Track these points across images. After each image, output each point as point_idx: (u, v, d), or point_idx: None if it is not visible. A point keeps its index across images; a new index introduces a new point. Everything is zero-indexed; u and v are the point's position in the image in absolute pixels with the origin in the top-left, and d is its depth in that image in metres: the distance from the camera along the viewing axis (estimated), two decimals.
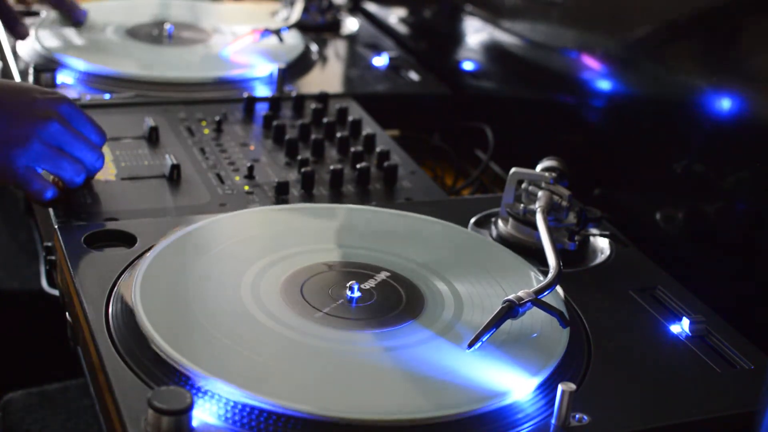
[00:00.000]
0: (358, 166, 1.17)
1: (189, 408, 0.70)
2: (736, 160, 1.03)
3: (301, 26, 1.62)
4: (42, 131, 1.00)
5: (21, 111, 1.01)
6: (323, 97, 1.36)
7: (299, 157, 1.18)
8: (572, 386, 0.75)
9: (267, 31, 1.50)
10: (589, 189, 1.22)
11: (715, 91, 1.06)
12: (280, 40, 1.50)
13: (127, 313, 0.83)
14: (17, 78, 1.34)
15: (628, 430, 0.77)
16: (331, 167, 1.15)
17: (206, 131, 1.26)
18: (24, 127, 1.00)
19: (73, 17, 1.51)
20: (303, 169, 1.14)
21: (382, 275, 0.92)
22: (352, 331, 0.84)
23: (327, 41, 1.64)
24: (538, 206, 0.99)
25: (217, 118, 1.27)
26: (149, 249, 0.93)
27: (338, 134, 1.24)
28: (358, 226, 1.03)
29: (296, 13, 1.63)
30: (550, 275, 0.88)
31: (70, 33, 1.48)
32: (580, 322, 0.89)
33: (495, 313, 0.82)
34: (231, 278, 0.89)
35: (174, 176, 1.12)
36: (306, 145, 1.24)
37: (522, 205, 1.03)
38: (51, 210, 1.03)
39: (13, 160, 0.99)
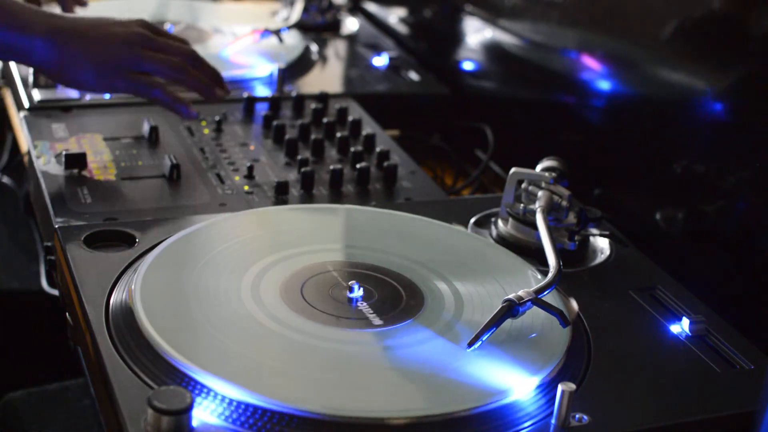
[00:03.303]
0: (357, 166, 1.17)
1: (189, 408, 0.70)
2: (736, 160, 1.03)
3: (301, 26, 1.62)
4: (130, 35, 1.12)
5: (107, 28, 1.13)
6: (323, 97, 1.36)
7: (299, 157, 1.18)
8: (572, 386, 0.75)
9: (267, 32, 1.50)
10: (589, 189, 1.22)
11: (714, 90, 1.06)
12: (280, 40, 1.50)
13: (127, 313, 0.83)
14: (17, 77, 1.34)
15: (628, 430, 0.77)
16: (331, 167, 1.15)
17: (206, 131, 1.26)
18: (115, 37, 1.12)
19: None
20: (303, 169, 1.14)
21: (383, 275, 0.92)
22: (353, 330, 0.84)
23: (327, 41, 1.64)
24: (538, 206, 0.99)
25: (217, 118, 1.27)
26: (149, 249, 0.93)
27: (338, 134, 1.24)
28: (358, 226, 1.03)
29: (296, 13, 1.64)
30: (550, 275, 0.88)
31: None
32: (580, 322, 0.89)
33: (495, 312, 0.82)
34: (231, 278, 0.89)
35: (174, 176, 1.12)
36: (306, 145, 1.24)
37: (522, 205, 1.03)
38: (51, 210, 1.03)
39: (117, 64, 1.12)
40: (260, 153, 1.21)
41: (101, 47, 1.11)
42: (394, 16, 1.77)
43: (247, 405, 0.73)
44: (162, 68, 1.14)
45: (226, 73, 1.40)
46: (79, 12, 1.44)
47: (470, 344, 0.81)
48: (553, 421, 0.76)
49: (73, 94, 1.30)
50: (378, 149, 1.21)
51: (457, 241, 1.01)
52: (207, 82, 1.18)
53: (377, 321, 0.85)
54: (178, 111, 1.16)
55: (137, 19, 1.17)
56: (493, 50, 1.48)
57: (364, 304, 0.87)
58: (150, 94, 1.15)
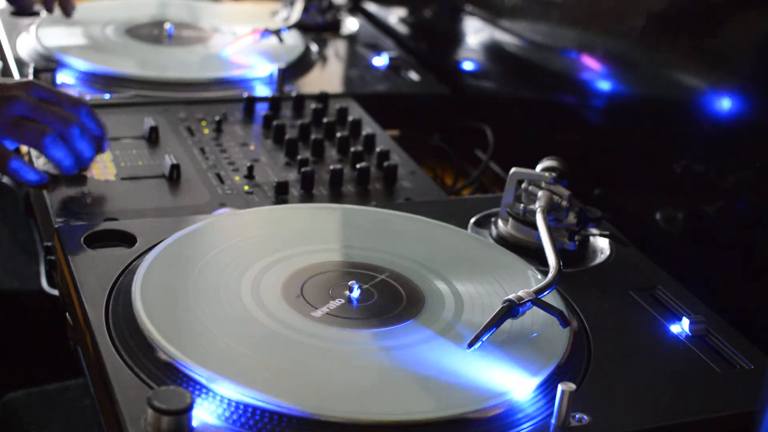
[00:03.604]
0: (357, 166, 1.17)
1: (189, 408, 0.70)
2: (736, 160, 1.03)
3: (301, 26, 1.62)
4: (6, 106, 1.02)
5: None
6: (323, 97, 1.36)
7: (299, 157, 1.18)
8: (572, 386, 0.75)
9: (267, 32, 1.50)
10: (589, 189, 1.22)
11: (715, 90, 1.06)
12: (280, 40, 1.50)
13: (127, 313, 0.83)
14: (17, 77, 1.34)
15: (628, 430, 0.77)
16: (331, 167, 1.15)
17: (206, 131, 1.26)
18: None
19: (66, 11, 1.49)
20: (303, 169, 1.14)
21: (383, 275, 0.92)
22: (353, 330, 0.84)
23: (327, 41, 1.64)
24: (538, 206, 0.99)
25: (217, 118, 1.27)
26: (149, 249, 0.93)
27: (338, 134, 1.24)
28: (358, 226, 1.03)
29: (296, 13, 1.63)
30: (550, 275, 0.88)
31: (71, 33, 1.48)
32: (580, 322, 0.89)
33: (495, 312, 0.82)
34: (231, 278, 0.89)
35: (174, 176, 1.12)
36: (306, 145, 1.24)
37: (522, 205, 1.03)
38: (51, 210, 1.03)
39: None
40: (260, 153, 1.21)
41: None
42: (394, 16, 1.77)
43: (247, 405, 0.73)
44: (28, 140, 1.05)
45: (227, 73, 1.40)
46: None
47: (470, 345, 0.81)
48: (553, 421, 0.76)
49: (72, 93, 1.30)
50: (378, 149, 1.21)
51: (457, 241, 1.01)
52: (78, 157, 1.08)
53: (378, 321, 0.85)
54: (32, 183, 1.07)
55: (24, 82, 1.08)
56: (493, 50, 1.48)
57: (365, 303, 0.87)
58: (5, 169, 1.05)
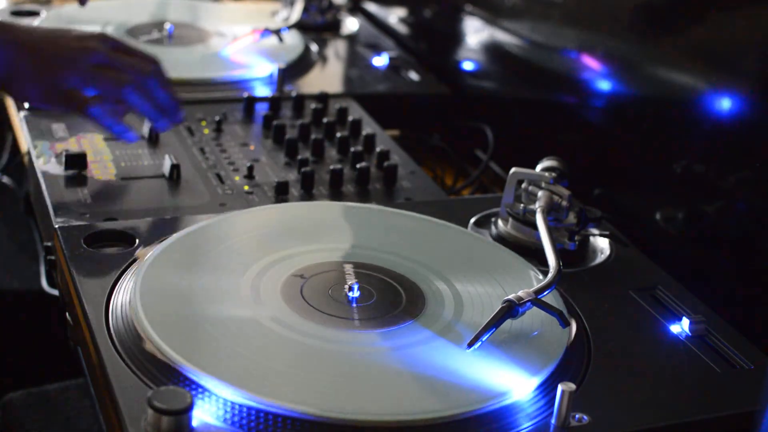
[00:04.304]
0: (357, 166, 1.17)
1: (189, 408, 0.70)
2: (736, 160, 1.03)
3: (301, 26, 1.62)
4: (82, 51, 1.08)
5: (62, 42, 1.09)
6: (323, 97, 1.36)
7: (299, 157, 1.18)
8: (572, 386, 0.75)
9: (267, 31, 1.50)
10: (589, 189, 1.22)
11: (715, 91, 1.06)
12: (280, 40, 1.50)
13: (127, 313, 0.83)
14: None
15: (628, 430, 0.77)
16: (331, 167, 1.15)
17: (206, 131, 1.26)
18: (67, 52, 1.08)
19: None
20: (303, 169, 1.14)
21: (383, 275, 0.92)
22: (352, 331, 0.84)
23: (327, 41, 1.64)
24: (538, 206, 0.99)
25: (217, 118, 1.27)
26: (149, 249, 0.93)
27: (338, 134, 1.24)
28: (358, 226, 1.02)
29: (296, 13, 1.63)
30: (550, 275, 0.88)
31: None
32: (580, 322, 0.89)
33: (495, 312, 0.82)
34: (231, 278, 0.89)
35: (174, 176, 1.12)
36: (306, 145, 1.24)
37: (522, 205, 1.03)
38: (51, 210, 1.03)
39: (62, 82, 1.07)
40: (260, 153, 1.21)
41: (49, 64, 1.08)
42: (394, 16, 1.77)
43: (247, 406, 0.73)
44: (109, 88, 1.09)
45: (226, 74, 1.40)
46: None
47: (470, 345, 0.81)
48: (553, 421, 0.76)
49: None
50: (378, 149, 1.21)
51: (457, 241, 1.01)
52: (160, 108, 1.13)
53: (377, 321, 0.85)
54: (115, 134, 1.12)
55: (98, 33, 1.13)
56: (493, 50, 1.48)
57: (364, 304, 0.87)
58: (85, 111, 1.09)
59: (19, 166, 1.43)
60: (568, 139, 1.32)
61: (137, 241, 0.95)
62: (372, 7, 1.82)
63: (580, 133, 1.30)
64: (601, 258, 1.02)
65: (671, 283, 0.98)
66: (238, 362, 0.78)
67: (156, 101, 1.12)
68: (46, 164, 1.12)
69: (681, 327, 0.90)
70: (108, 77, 1.09)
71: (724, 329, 0.91)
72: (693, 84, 1.10)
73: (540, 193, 1.01)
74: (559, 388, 0.75)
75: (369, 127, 1.30)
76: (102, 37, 1.12)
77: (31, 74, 1.08)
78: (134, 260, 0.92)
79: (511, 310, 0.83)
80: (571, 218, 1.01)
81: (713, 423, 0.80)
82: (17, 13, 1.55)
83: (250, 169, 1.15)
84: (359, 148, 1.21)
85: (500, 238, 1.03)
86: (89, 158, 1.13)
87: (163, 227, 0.98)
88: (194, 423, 0.71)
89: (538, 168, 1.05)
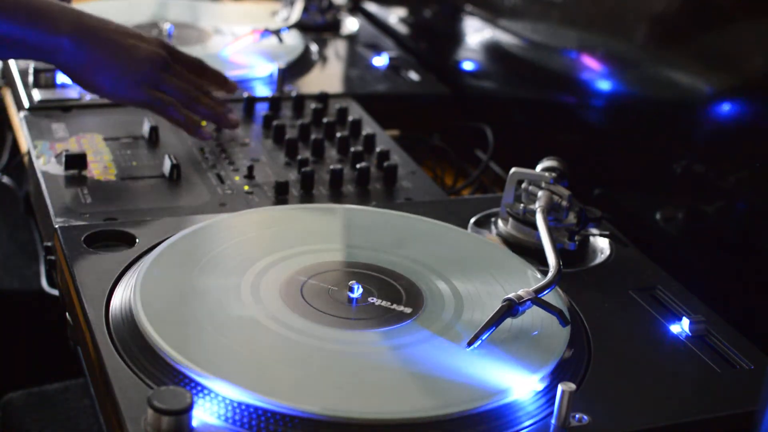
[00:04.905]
0: (357, 166, 1.17)
1: (189, 408, 0.70)
2: (736, 160, 1.03)
3: (301, 26, 1.62)
4: (153, 54, 1.14)
5: (131, 41, 1.14)
6: (323, 97, 1.36)
7: (299, 157, 1.18)
8: (572, 386, 0.75)
9: (267, 31, 1.50)
10: (589, 189, 1.22)
11: (715, 91, 1.06)
12: (280, 40, 1.50)
13: (127, 313, 0.83)
14: (17, 77, 1.34)
15: (628, 430, 0.77)
16: (331, 167, 1.15)
17: None
18: (138, 51, 1.13)
19: None
20: (303, 169, 1.14)
21: (383, 275, 0.92)
22: (352, 330, 0.84)
23: (327, 41, 1.64)
24: (538, 206, 0.99)
25: None
26: (149, 249, 0.93)
27: (338, 134, 1.24)
28: (358, 226, 1.03)
29: (296, 13, 1.63)
30: (550, 274, 0.88)
31: None
32: (580, 322, 0.89)
33: (495, 311, 0.82)
34: (231, 278, 0.89)
35: (174, 176, 1.12)
36: (306, 145, 1.24)
37: (522, 205, 1.03)
38: (51, 210, 1.03)
39: (139, 77, 1.13)
40: (260, 153, 1.21)
41: (126, 57, 1.12)
42: (394, 16, 1.77)
43: (247, 405, 0.73)
44: (177, 94, 1.16)
45: (227, 73, 1.40)
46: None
47: (470, 343, 0.81)
48: (553, 421, 0.76)
49: (73, 94, 1.30)
50: (378, 149, 1.21)
51: (457, 241, 1.01)
52: (219, 110, 1.21)
53: (377, 321, 0.85)
54: (194, 132, 1.18)
55: (158, 39, 1.18)
56: (493, 50, 1.48)
57: (365, 304, 0.87)
58: (166, 111, 1.15)
59: (19, 166, 1.43)
60: (568, 139, 1.32)
61: (137, 241, 0.95)
62: (372, 7, 1.82)
63: (580, 133, 1.30)
64: (601, 258, 1.02)
65: (671, 283, 0.98)
66: (238, 362, 0.78)
67: (215, 105, 1.21)
68: (46, 164, 1.12)
69: (681, 327, 0.90)
70: (176, 85, 1.16)
71: (724, 329, 0.91)
72: (693, 84, 1.10)
73: (540, 193, 1.01)
74: (559, 388, 0.75)
75: (369, 127, 1.30)
76: (163, 44, 1.17)
77: (109, 65, 1.11)
78: (134, 260, 0.92)
79: (511, 309, 0.83)
80: (571, 218, 1.01)
81: (713, 423, 0.80)
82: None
83: (250, 169, 1.15)
84: (359, 148, 1.21)
85: (500, 238, 1.03)
86: (89, 158, 1.13)
87: (163, 227, 0.98)
88: (194, 423, 0.71)
89: (538, 168, 1.05)
